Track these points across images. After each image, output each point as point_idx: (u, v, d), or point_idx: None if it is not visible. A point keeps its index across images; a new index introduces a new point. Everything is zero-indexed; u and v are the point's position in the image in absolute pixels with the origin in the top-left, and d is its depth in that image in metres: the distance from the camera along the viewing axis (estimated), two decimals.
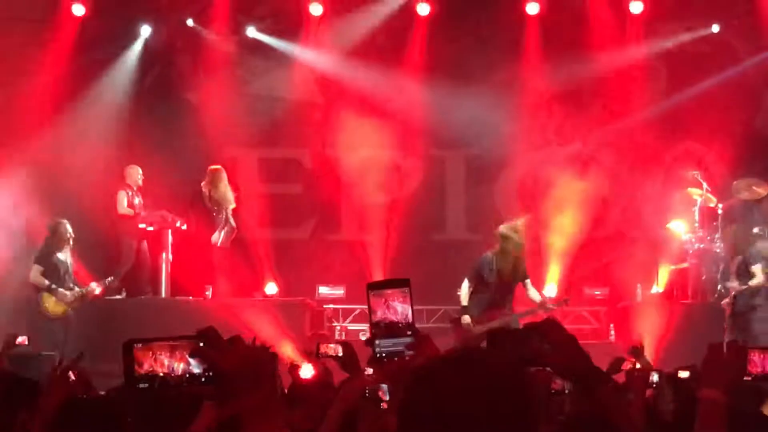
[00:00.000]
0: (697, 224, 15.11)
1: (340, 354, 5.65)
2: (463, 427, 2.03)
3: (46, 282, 14.01)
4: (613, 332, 15.55)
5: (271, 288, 16.16)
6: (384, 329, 3.04)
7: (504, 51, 17.12)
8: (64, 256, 14.27)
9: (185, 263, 15.34)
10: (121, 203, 15.36)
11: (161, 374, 2.32)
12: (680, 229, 15.37)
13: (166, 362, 2.32)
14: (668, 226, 15.55)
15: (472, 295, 12.84)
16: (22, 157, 15.64)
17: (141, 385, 2.33)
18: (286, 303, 15.15)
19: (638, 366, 6.63)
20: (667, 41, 16.95)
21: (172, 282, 15.49)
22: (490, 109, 16.92)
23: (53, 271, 14.10)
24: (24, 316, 14.21)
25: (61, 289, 14.03)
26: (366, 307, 3.12)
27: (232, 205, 15.57)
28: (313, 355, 7.34)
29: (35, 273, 14.07)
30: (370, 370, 4.79)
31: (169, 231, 15.53)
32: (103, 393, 5.59)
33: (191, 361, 2.31)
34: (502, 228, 12.99)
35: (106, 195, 15.66)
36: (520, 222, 13.13)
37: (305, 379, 6.86)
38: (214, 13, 17.23)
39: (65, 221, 14.33)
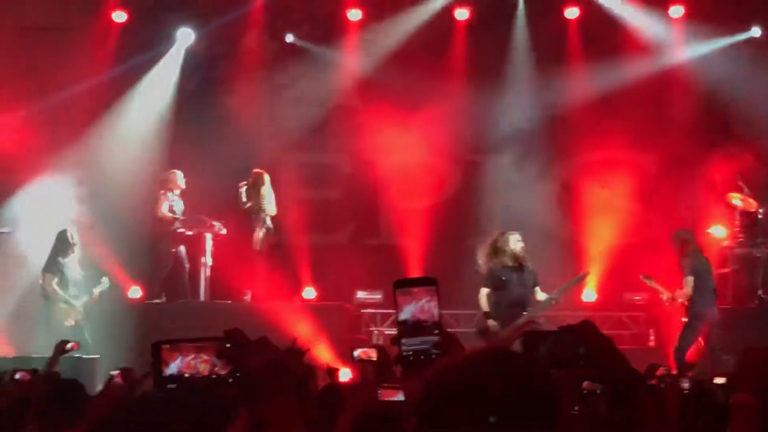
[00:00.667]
0: (737, 229, 14.99)
1: (374, 358, 5.68)
2: (483, 425, 2.03)
3: (61, 293, 14.09)
4: (652, 337, 15.45)
5: (309, 292, 16.21)
6: (410, 328, 3.02)
7: (542, 56, 17.07)
8: (71, 262, 14.36)
9: (224, 267, 15.41)
10: (161, 206, 15.45)
11: (186, 375, 2.32)
12: (720, 234, 15.26)
13: (192, 363, 2.32)
14: (708, 231, 15.43)
15: (490, 299, 12.96)
16: (66, 164, 15.81)
17: (169, 386, 2.33)
18: (324, 307, 15.19)
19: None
20: (706, 45, 16.83)
21: (211, 286, 15.58)
22: (528, 114, 16.89)
23: (63, 279, 14.20)
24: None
25: (75, 301, 14.12)
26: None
27: (273, 211, 15.63)
28: (349, 359, 7.39)
29: (49, 282, 14.14)
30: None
31: (209, 235, 15.60)
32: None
33: (217, 362, 2.32)
34: (506, 234, 13.17)
35: (147, 199, 15.78)
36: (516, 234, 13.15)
37: (343, 383, 6.88)
38: (253, 19, 17.29)
39: (69, 228, 14.45)
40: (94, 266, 14.86)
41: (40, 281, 14.25)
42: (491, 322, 12.84)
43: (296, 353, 6.18)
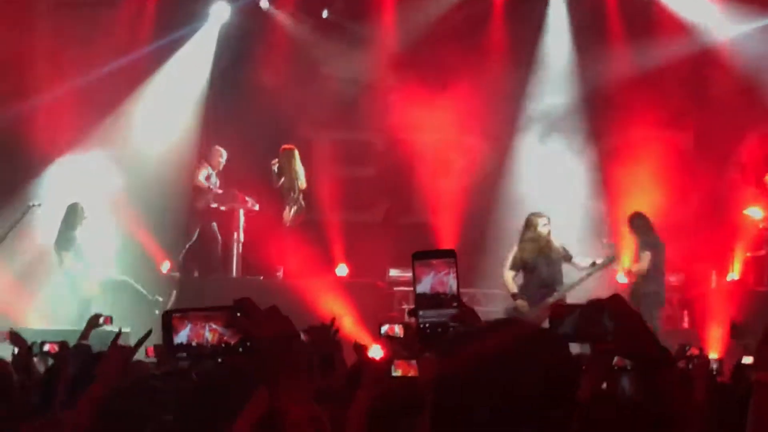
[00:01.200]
0: None
1: (401, 335, 5.63)
2: (498, 397, 1.99)
3: (80, 266, 14.17)
4: (686, 319, 15.34)
5: (342, 269, 16.18)
6: (428, 300, 2.97)
7: (578, 34, 16.94)
8: (81, 234, 14.43)
9: (257, 243, 15.43)
10: (199, 175, 15.51)
11: (194, 344, 2.29)
12: (757, 215, 15.11)
13: (201, 332, 2.29)
14: (745, 212, 15.29)
15: (517, 281, 13.09)
16: (100, 139, 15.88)
17: (179, 355, 2.30)
18: (356, 284, 15.17)
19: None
20: (745, 24, 16.62)
21: (243, 261, 15.62)
22: (563, 93, 16.79)
23: (78, 253, 14.27)
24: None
25: (91, 273, 14.20)
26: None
27: (303, 185, 15.62)
28: (378, 335, 7.35)
29: (68, 260, 14.22)
30: None
31: (241, 211, 15.63)
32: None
33: (226, 331, 2.28)
34: (531, 216, 13.40)
35: (180, 175, 15.82)
36: (543, 217, 13.31)
37: (374, 360, 6.84)
38: None
39: (79, 203, 14.50)
40: (127, 240, 14.93)
41: (56, 257, 14.32)
42: (520, 302, 12.85)
43: (323, 329, 6.17)
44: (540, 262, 12.95)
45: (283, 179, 15.56)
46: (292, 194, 15.51)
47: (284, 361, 2.21)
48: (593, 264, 13.30)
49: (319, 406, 4.02)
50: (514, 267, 13.14)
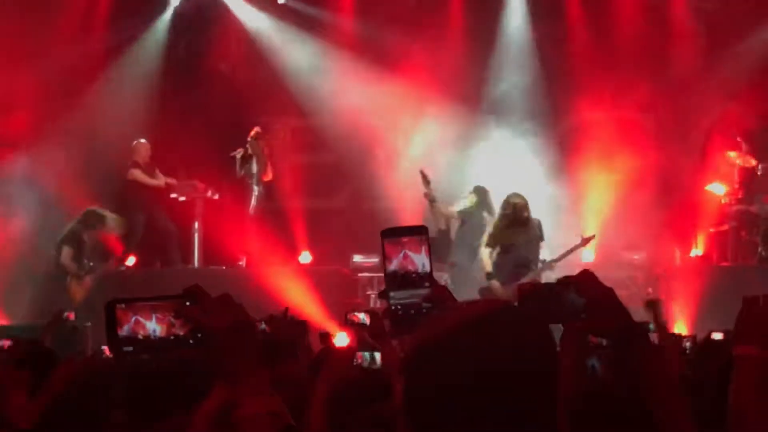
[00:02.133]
0: (736, 186, 14.86)
1: (368, 323, 5.52)
2: (474, 381, 1.88)
3: (76, 267, 14.01)
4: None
5: (305, 257, 16.07)
6: (399, 280, 2.83)
7: (544, 13, 16.90)
8: (88, 237, 14.29)
9: (219, 233, 15.29)
10: (136, 177, 15.35)
11: (140, 336, 2.14)
12: (719, 191, 15.13)
13: (147, 324, 2.14)
14: (707, 188, 15.31)
15: (494, 258, 13.02)
16: (55, 128, 15.64)
17: (125, 349, 2.15)
18: (320, 271, 15.06)
19: (651, 325, 6.41)
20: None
21: (205, 251, 15.49)
22: (522, 74, 16.74)
23: (79, 252, 14.12)
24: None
25: (86, 275, 14.05)
26: None
27: (269, 176, 15.52)
28: (344, 323, 7.26)
29: (66, 255, 14.05)
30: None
31: (201, 200, 15.51)
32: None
33: (175, 322, 2.13)
34: (508, 196, 13.37)
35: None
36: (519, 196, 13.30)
37: (339, 348, 6.75)
38: None
39: (97, 209, 14.36)
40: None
41: (54, 253, 14.16)
42: (494, 282, 12.83)
43: (283, 318, 6.08)
44: (516, 241, 12.95)
45: (245, 169, 15.39)
46: (253, 181, 15.36)
47: (238, 351, 2.08)
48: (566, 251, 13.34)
49: (281, 394, 3.94)
50: (490, 245, 13.13)
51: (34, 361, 4.66)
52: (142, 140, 15.55)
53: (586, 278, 2.50)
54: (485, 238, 13.35)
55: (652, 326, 6.19)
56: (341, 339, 7.37)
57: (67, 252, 14.06)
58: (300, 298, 13.48)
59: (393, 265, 2.82)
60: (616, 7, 16.65)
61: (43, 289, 14.14)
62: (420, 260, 2.82)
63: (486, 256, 13.14)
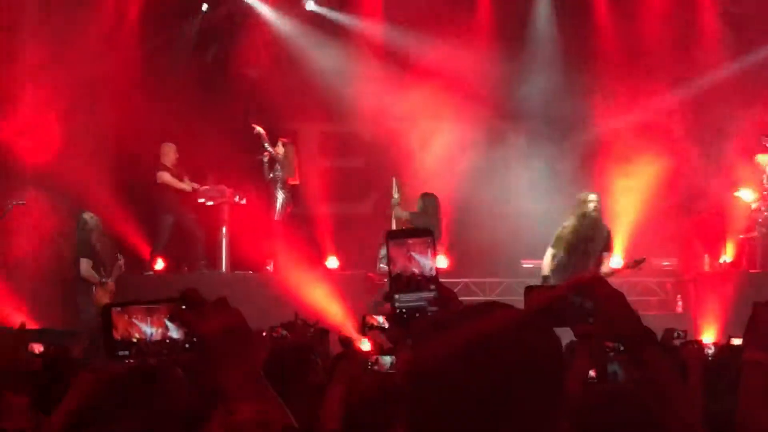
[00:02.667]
0: (766, 192, 14.74)
1: (386, 326, 5.49)
2: (477, 385, 1.87)
3: (97, 276, 14.07)
4: (680, 303, 15.27)
5: (332, 262, 16.07)
6: (405, 283, 2.80)
7: (570, 17, 16.82)
8: (98, 243, 14.33)
9: (246, 238, 15.32)
10: (165, 180, 15.39)
11: (135, 340, 2.11)
12: (748, 197, 15.01)
13: (142, 327, 2.11)
14: (736, 194, 15.20)
15: (555, 261, 12.89)
16: (84, 133, 15.72)
17: (120, 353, 2.13)
18: (347, 276, 15.06)
19: None
20: (735, 4, 16.53)
21: (233, 256, 15.51)
22: (555, 79, 16.67)
23: (96, 260, 14.17)
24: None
25: (108, 281, 14.10)
26: None
27: (297, 180, 15.56)
28: (372, 329, 7.23)
29: (86, 267, 14.10)
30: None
31: (228, 205, 15.55)
32: None
33: (170, 325, 2.11)
34: (581, 194, 13.20)
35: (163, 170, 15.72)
36: (593, 194, 13.09)
37: (353, 353, 6.75)
38: None
39: (88, 213, 14.40)
40: (114, 242, 14.82)
41: (76, 265, 14.23)
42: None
43: (301, 326, 6.08)
44: (579, 245, 12.76)
45: (274, 171, 15.45)
46: (281, 186, 15.39)
47: (231, 356, 2.05)
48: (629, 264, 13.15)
49: (300, 400, 3.95)
50: (555, 246, 12.96)
51: (48, 376, 4.67)
52: (170, 143, 15.60)
53: (595, 282, 2.48)
54: (554, 238, 13.15)
55: None
56: (365, 344, 7.38)
57: (85, 264, 14.11)
58: (326, 303, 13.49)
59: (398, 268, 2.79)
60: (642, 11, 16.56)
61: (72, 294, 14.21)
62: (426, 263, 2.79)
63: (548, 258, 12.93)
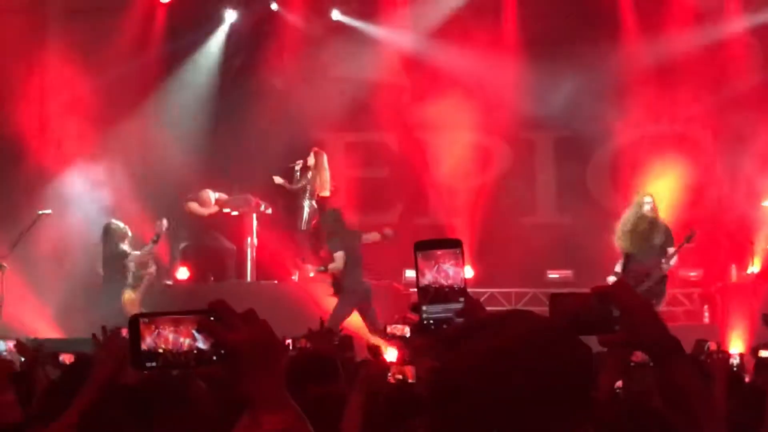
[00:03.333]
0: None
1: (408, 335, 5.47)
2: (502, 395, 1.85)
3: (123, 281, 14.15)
4: (707, 314, 15.17)
5: None
6: (433, 294, 2.77)
7: (594, 28, 16.76)
8: (126, 250, 14.38)
9: (272, 247, 15.33)
10: (200, 211, 15.47)
11: (161, 351, 2.10)
12: None
13: (170, 338, 2.10)
14: (763, 204, 15.11)
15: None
16: (112, 141, 15.81)
17: (148, 364, 2.12)
18: (372, 286, 15.02)
19: None
20: (761, 14, 16.43)
21: (258, 266, 15.52)
22: (581, 89, 16.61)
23: (122, 268, 14.22)
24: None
25: (135, 289, 14.15)
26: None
27: (327, 192, 15.58)
28: (393, 338, 7.21)
29: (111, 274, 14.21)
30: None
31: (254, 215, 15.56)
32: None
33: (198, 336, 2.09)
34: (637, 197, 13.63)
35: (190, 181, 15.76)
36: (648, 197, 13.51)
37: (392, 363, 6.74)
38: None
39: (114, 220, 14.45)
40: (142, 249, 14.86)
41: (100, 271, 14.31)
42: None
43: (325, 334, 6.06)
44: (642, 243, 12.88)
45: (303, 182, 15.48)
46: (308, 196, 15.42)
47: (259, 368, 2.05)
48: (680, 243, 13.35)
49: (323, 410, 3.94)
50: (622, 244, 13.09)
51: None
52: (210, 192, 15.67)
53: (621, 289, 2.44)
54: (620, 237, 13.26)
55: None
56: (391, 354, 7.36)
57: (108, 270, 14.20)
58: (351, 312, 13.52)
59: (426, 279, 2.77)
60: (671, 20, 16.48)
61: (98, 303, 14.24)
62: (454, 274, 2.76)
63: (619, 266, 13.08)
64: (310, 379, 4.60)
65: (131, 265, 14.35)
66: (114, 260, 14.27)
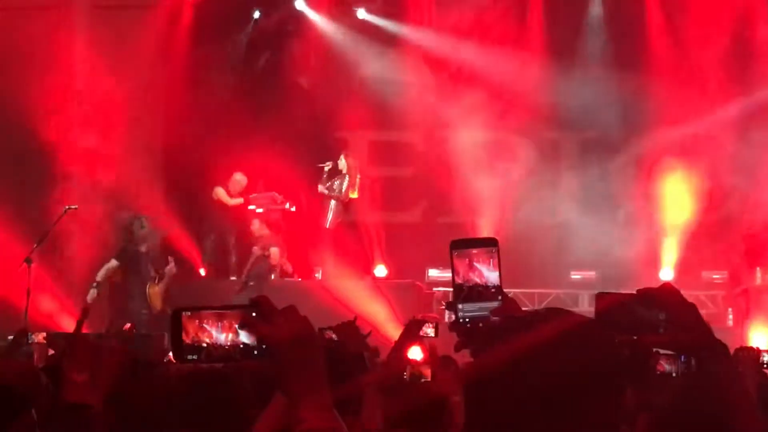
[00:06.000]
0: None
1: (433, 335, 5.49)
2: (537, 392, 1.87)
3: (142, 277, 14.22)
4: (731, 316, 15.12)
5: (380, 270, 16.09)
6: (468, 292, 2.78)
7: (622, 27, 16.74)
8: (144, 245, 14.44)
9: (296, 244, 15.37)
10: (226, 200, 15.51)
11: (205, 345, 2.13)
12: None
13: (213, 332, 2.13)
14: None
15: None
16: (137, 141, 15.87)
17: (189, 356, 2.15)
18: (395, 285, 15.09)
19: None
20: None
21: (282, 263, 15.55)
22: (605, 90, 16.58)
23: (135, 265, 14.28)
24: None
25: (159, 282, 14.22)
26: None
27: (356, 194, 15.63)
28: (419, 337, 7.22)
29: (104, 269, 14.29)
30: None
31: (278, 212, 15.60)
32: None
33: (240, 331, 2.13)
34: None
35: (215, 178, 15.82)
36: None
37: (414, 361, 6.75)
38: None
39: (139, 217, 14.51)
40: (164, 247, 14.94)
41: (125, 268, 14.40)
42: None
43: (352, 327, 6.06)
44: None
45: (332, 182, 15.52)
46: (333, 195, 15.46)
47: (301, 365, 2.08)
48: None
49: (351, 407, 3.95)
50: None
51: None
52: (242, 175, 15.72)
53: (667, 292, 2.44)
54: None
55: None
56: (415, 353, 7.36)
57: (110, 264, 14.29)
58: (375, 311, 13.51)
59: (461, 277, 2.78)
60: (697, 22, 16.42)
61: (122, 297, 14.33)
62: (489, 273, 2.78)
63: None
64: (340, 376, 4.61)
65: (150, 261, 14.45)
66: (136, 255, 14.33)
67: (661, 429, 3.33)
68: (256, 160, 15.82)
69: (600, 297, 2.44)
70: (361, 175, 16.12)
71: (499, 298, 2.77)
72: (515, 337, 1.95)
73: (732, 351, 6.67)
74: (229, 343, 2.12)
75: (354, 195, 15.67)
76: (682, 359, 4.53)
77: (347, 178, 15.57)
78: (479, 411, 1.95)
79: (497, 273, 2.78)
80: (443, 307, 15.52)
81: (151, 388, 3.89)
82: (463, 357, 2.63)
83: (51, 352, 7.05)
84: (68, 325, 13.44)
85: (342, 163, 15.61)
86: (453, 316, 2.73)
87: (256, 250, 14.93)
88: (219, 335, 2.12)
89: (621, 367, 1.97)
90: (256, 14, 17.29)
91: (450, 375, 5.61)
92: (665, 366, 5.66)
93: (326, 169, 15.59)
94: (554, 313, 2.02)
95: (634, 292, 2.42)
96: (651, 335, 2.45)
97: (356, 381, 4.76)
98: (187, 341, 2.13)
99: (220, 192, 15.59)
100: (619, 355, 1.99)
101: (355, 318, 6.64)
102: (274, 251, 14.72)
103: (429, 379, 5.15)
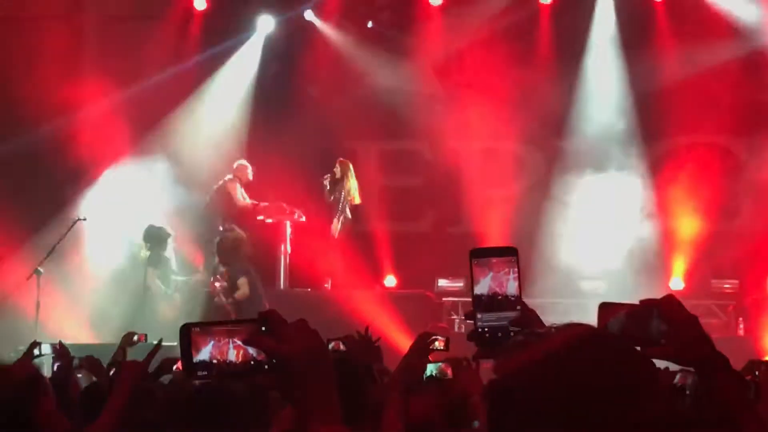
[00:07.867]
0: None
1: (443, 348, 5.48)
2: (559, 410, 1.85)
3: (162, 287, 14.19)
4: (741, 326, 15.07)
5: (390, 280, 16.07)
6: (487, 302, 2.75)
7: (627, 38, 16.71)
8: (169, 255, 14.44)
9: (305, 255, 15.36)
10: (236, 196, 15.43)
11: (215, 361, 2.10)
12: None
13: (222, 347, 2.10)
14: None
15: None
16: (145, 150, 15.90)
17: (200, 373, 2.12)
18: (405, 295, 15.07)
19: None
20: None
21: (291, 274, 15.54)
22: (616, 99, 16.56)
23: (164, 273, 14.28)
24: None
25: (175, 294, 14.21)
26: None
27: (358, 200, 15.58)
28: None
29: (151, 277, 14.25)
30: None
31: (288, 222, 15.58)
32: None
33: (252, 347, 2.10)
34: None
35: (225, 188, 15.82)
36: None
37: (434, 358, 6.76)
38: (334, 5, 17.19)
39: (163, 227, 14.52)
40: (182, 257, 14.96)
41: (144, 275, 14.39)
42: None
43: (362, 340, 6.06)
44: None
45: (335, 194, 15.48)
46: (341, 205, 15.44)
47: (311, 379, 2.06)
48: None
49: (361, 418, 3.94)
50: None
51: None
52: (246, 162, 15.70)
53: (669, 303, 2.43)
54: None
55: None
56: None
57: (151, 273, 14.22)
58: (384, 321, 13.47)
59: (480, 287, 2.76)
60: (707, 32, 16.39)
61: (131, 309, 14.32)
62: (509, 282, 2.75)
63: None
64: (349, 386, 4.60)
65: (171, 270, 14.46)
66: (154, 264, 14.35)
67: None
68: (265, 170, 15.80)
69: (603, 307, 2.42)
70: (366, 182, 16.09)
71: (518, 308, 2.75)
72: (534, 349, 1.94)
73: (745, 362, 6.66)
74: (240, 359, 2.10)
75: (356, 201, 15.60)
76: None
77: (346, 185, 15.52)
78: (501, 420, 1.93)
79: (517, 282, 2.75)
80: (453, 317, 15.52)
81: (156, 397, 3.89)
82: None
83: (93, 378, 6.90)
84: (79, 336, 13.46)
85: (338, 172, 15.56)
86: (463, 326, 2.73)
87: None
88: (230, 351, 2.10)
89: (638, 378, 1.96)
90: (266, 24, 17.27)
91: (468, 375, 5.60)
92: (686, 379, 5.60)
93: (326, 183, 15.54)
94: (575, 327, 2.01)
95: (637, 302, 2.41)
96: (652, 347, 2.44)
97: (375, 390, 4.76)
98: (198, 358, 2.10)
99: (237, 187, 15.52)
100: (644, 370, 1.97)
101: (367, 328, 6.64)
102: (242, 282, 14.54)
103: (450, 377, 5.15)
